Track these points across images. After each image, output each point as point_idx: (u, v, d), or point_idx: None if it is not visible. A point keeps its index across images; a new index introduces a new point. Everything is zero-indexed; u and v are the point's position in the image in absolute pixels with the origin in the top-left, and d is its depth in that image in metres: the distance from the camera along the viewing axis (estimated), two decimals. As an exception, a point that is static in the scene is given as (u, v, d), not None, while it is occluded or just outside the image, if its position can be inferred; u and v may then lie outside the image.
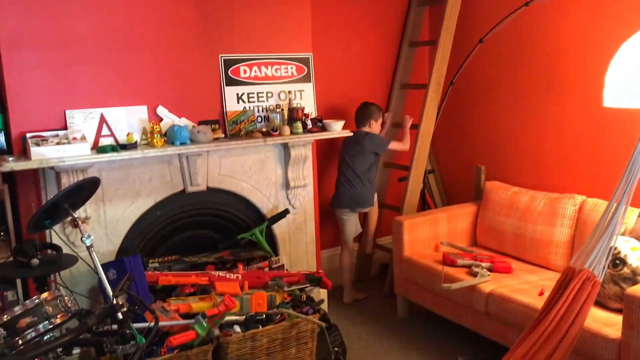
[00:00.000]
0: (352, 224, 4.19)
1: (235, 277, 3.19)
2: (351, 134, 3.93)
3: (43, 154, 2.84)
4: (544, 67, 3.78)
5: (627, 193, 2.39)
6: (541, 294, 3.06)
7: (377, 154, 4.11)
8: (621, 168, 2.45)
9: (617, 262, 2.87)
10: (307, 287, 3.27)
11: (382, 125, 4.25)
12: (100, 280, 2.45)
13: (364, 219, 4.37)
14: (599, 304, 2.86)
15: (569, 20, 3.58)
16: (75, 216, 2.46)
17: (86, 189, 2.55)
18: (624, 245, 2.90)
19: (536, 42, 3.81)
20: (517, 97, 4.00)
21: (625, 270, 2.83)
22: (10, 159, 2.81)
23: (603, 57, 3.38)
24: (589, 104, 3.53)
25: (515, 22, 3.83)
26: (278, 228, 3.78)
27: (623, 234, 3.05)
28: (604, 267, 2.41)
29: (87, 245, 2.40)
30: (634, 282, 2.78)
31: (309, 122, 3.74)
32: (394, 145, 4.18)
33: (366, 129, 4.09)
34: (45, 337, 2.21)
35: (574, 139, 3.67)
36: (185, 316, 2.84)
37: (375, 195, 4.24)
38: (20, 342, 2.13)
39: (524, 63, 3.92)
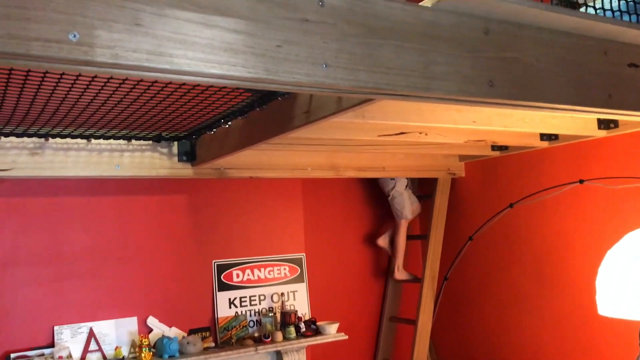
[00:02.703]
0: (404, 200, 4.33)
1: None
2: (346, 337, 3.80)
3: (24, 378, 2.76)
4: (535, 266, 3.78)
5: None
6: None
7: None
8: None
9: None
10: None
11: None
12: None
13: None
14: None
15: (553, 223, 3.66)
16: None
17: None
18: None
19: (524, 241, 3.86)
20: (512, 294, 3.96)
21: None
22: (-11, 384, 2.72)
23: (590, 260, 3.38)
24: (584, 306, 3.45)
25: (503, 221, 3.92)
26: None
27: None
28: None
29: None
30: None
31: (302, 326, 3.67)
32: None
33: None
34: None
35: (574, 341, 3.54)
36: None
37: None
38: None
39: (514, 260, 3.94)
